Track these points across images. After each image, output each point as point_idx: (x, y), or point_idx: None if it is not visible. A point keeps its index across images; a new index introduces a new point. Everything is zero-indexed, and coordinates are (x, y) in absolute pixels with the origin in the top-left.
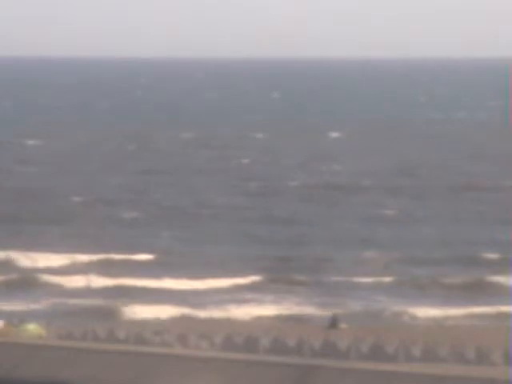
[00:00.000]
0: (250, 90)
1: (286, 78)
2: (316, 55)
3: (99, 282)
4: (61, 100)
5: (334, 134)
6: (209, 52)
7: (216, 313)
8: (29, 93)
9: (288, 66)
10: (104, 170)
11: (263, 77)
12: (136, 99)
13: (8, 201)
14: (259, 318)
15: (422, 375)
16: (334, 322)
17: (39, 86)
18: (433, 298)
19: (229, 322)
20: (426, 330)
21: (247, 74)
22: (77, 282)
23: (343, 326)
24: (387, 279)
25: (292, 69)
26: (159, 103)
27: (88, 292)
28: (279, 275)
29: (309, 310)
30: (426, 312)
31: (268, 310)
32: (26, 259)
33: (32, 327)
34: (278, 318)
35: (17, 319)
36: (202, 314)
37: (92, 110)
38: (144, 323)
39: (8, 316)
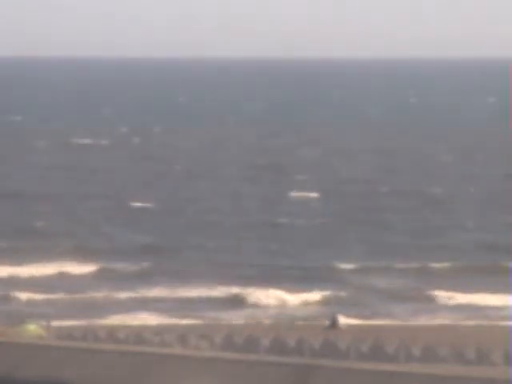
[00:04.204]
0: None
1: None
2: (316, 55)
3: None
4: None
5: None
6: (209, 52)
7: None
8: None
9: (288, 66)
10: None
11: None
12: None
13: None
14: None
15: (421, 375)
16: (333, 322)
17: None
18: None
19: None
20: (426, 330)
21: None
22: None
23: (343, 325)
24: None
25: (294, 69)
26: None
27: None
28: None
29: None
30: None
31: None
32: None
33: (32, 327)
34: None
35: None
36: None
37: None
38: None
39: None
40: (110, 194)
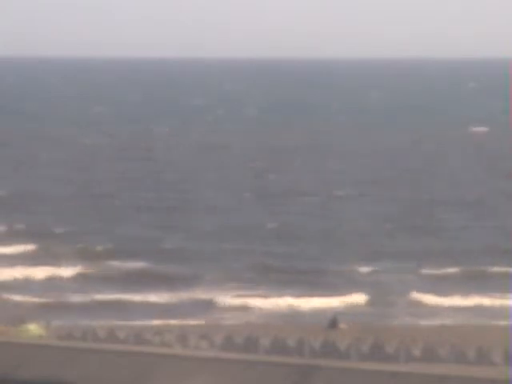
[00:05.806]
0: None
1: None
2: (311, 55)
3: None
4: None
5: None
6: (209, 52)
7: None
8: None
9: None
10: None
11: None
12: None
13: None
14: None
15: (422, 375)
16: (333, 322)
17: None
18: None
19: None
20: (426, 330)
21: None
22: None
23: (343, 325)
24: None
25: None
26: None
27: None
28: None
29: None
30: None
31: None
32: None
33: (32, 327)
34: None
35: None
36: None
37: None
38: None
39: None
40: (110, 193)
